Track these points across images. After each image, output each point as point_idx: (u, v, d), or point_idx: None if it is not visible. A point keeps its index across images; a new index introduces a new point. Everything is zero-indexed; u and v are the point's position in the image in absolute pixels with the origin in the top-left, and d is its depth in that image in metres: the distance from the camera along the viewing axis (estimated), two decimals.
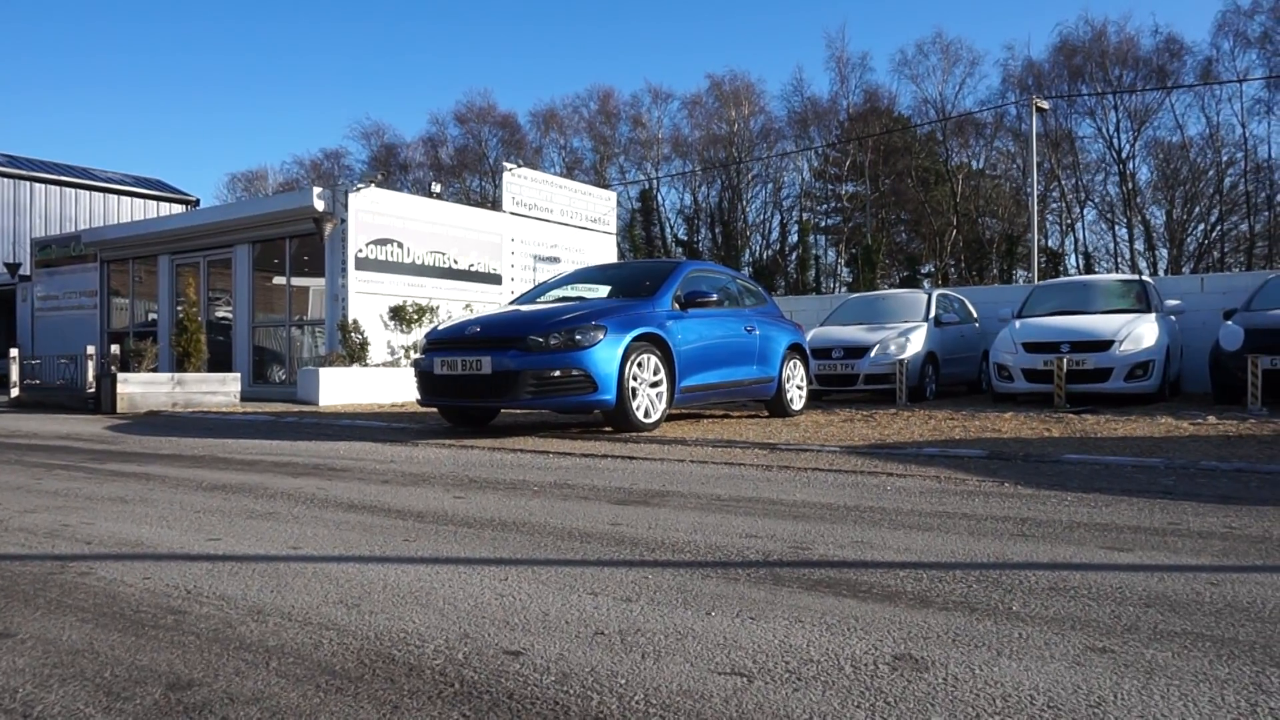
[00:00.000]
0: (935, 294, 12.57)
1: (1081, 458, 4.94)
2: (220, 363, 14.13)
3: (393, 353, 13.41)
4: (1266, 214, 37.27)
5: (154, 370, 10.60)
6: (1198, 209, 39.80)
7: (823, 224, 46.88)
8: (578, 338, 6.65)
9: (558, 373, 6.59)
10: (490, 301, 14.92)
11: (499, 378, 6.63)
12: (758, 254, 46.50)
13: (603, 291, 8.72)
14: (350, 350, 12.56)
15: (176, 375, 10.48)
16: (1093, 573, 2.46)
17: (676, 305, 7.65)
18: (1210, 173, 38.47)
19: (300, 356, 14.28)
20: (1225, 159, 38.33)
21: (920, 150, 43.09)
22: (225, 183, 66.29)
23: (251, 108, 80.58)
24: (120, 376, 10.01)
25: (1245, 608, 2.11)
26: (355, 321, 12.64)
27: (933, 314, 11.92)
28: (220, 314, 15.39)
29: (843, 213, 45.39)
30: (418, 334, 13.62)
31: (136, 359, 10.36)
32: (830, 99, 44.64)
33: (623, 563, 2.65)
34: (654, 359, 7.12)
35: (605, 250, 17.88)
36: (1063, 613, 2.09)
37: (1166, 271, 39.68)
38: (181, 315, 10.68)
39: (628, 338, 6.86)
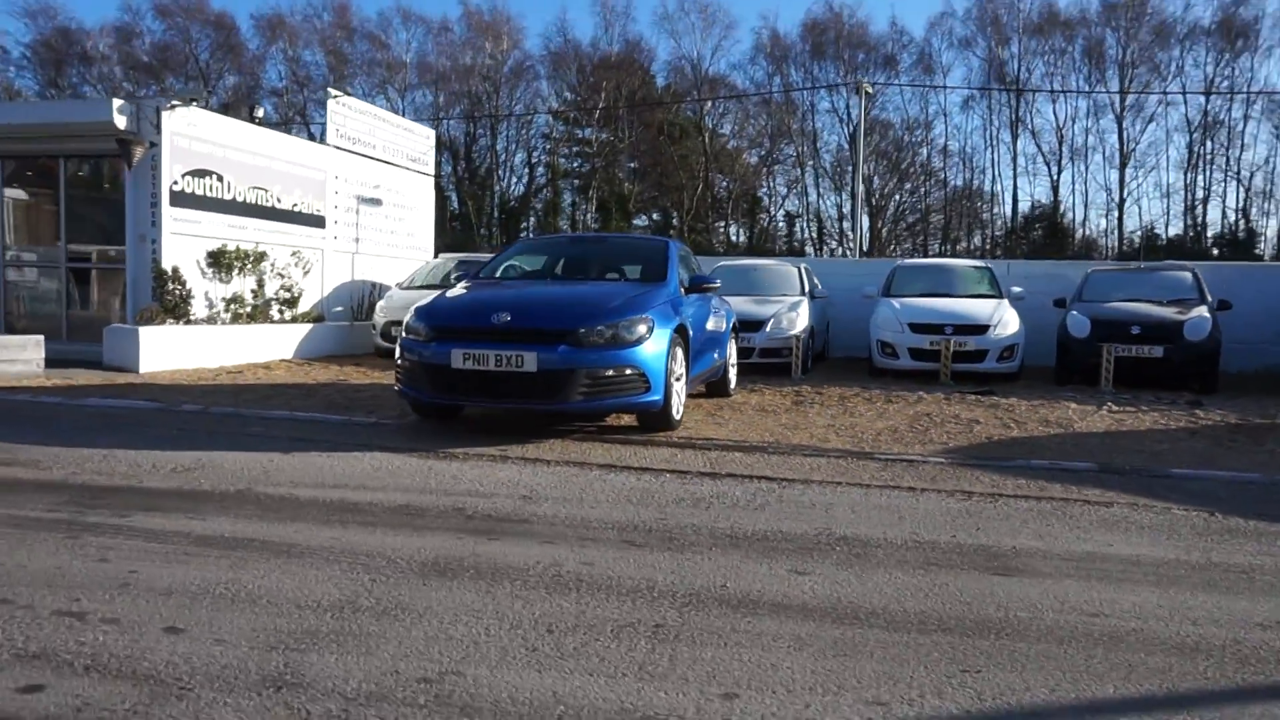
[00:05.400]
0: (802, 266, 12.98)
1: (1185, 473, 5.34)
2: None
3: (210, 305, 11.23)
4: (957, 187, 43.27)
5: None
6: (893, 181, 45.23)
7: (568, 167, 46.69)
8: (628, 332, 5.95)
9: (611, 371, 5.86)
10: (314, 247, 13.03)
11: (547, 377, 5.73)
12: (507, 192, 45.36)
13: (559, 266, 7.92)
14: (169, 304, 10.35)
15: None
16: None
17: (683, 290, 7.16)
18: (912, 152, 43.74)
19: (76, 301, 11.46)
20: (919, 139, 43.79)
21: (672, 105, 44.24)
22: None
23: None
24: None
25: None
26: (175, 269, 10.42)
27: (808, 288, 12.30)
28: None
29: (588, 158, 45.50)
30: (239, 284, 11.54)
31: None
32: (591, 44, 44.21)
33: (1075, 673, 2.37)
34: (680, 351, 6.61)
35: (424, 192, 16.35)
36: None
37: (867, 231, 44.65)
38: None
39: (670, 330, 6.28)
